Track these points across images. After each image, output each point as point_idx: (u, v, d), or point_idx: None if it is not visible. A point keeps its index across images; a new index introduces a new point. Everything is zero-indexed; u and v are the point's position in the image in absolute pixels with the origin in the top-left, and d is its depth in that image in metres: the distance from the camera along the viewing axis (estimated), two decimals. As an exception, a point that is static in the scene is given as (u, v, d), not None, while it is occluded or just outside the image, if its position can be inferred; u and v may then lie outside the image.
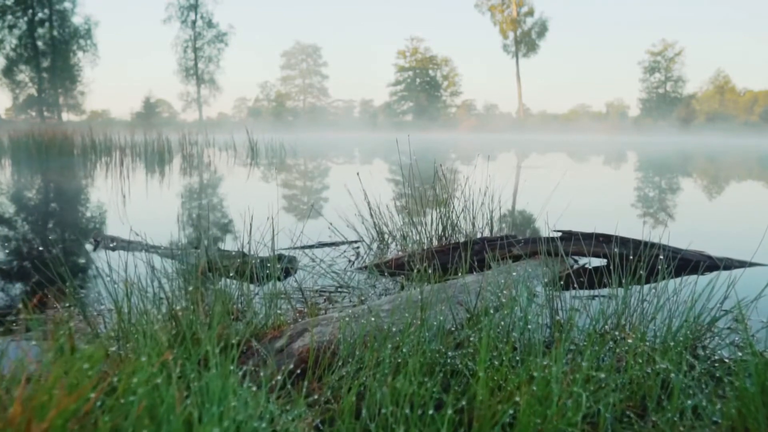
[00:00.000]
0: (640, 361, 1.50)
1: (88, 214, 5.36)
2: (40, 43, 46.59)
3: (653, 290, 1.99)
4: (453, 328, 1.88)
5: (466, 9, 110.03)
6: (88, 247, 3.61)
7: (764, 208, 6.45)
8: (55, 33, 46.93)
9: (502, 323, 1.72)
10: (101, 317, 1.99)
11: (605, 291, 2.54)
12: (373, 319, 1.69)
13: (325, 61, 68.48)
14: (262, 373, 1.37)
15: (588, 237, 2.93)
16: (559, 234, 3.00)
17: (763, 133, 46.57)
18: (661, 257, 2.42)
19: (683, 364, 1.47)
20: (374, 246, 3.48)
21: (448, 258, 2.96)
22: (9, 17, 45.84)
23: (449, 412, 1.16)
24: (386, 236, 3.52)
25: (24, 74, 47.41)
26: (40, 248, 3.60)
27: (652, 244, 2.85)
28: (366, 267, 2.96)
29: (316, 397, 1.39)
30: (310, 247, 3.45)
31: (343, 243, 3.54)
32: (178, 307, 1.73)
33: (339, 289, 2.56)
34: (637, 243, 2.89)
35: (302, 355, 1.60)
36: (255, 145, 15.26)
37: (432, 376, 1.38)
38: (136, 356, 1.23)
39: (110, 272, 1.92)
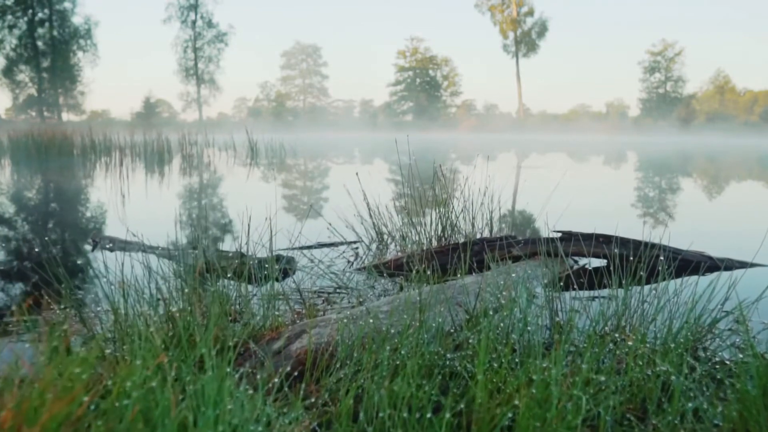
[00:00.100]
0: (641, 363, 1.49)
1: (87, 215, 5.35)
2: (40, 43, 46.60)
3: (653, 291, 1.98)
4: (452, 330, 1.86)
5: (466, 9, 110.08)
6: (87, 247, 3.60)
7: (765, 209, 6.44)
8: (55, 33, 46.94)
9: (502, 325, 1.71)
10: (98, 319, 1.98)
11: (605, 292, 2.53)
12: (371, 320, 1.68)
13: (325, 61, 68.57)
14: (258, 376, 1.36)
15: (588, 237, 2.91)
16: (559, 234, 2.99)
17: (763, 133, 46.57)
18: (662, 258, 2.41)
19: (684, 366, 1.46)
20: (373, 246, 3.47)
21: (448, 259, 2.95)
22: (9, 17, 45.85)
23: (447, 415, 1.15)
24: (385, 237, 3.51)
25: (24, 74, 47.43)
26: (38, 249, 3.58)
27: (653, 245, 2.84)
28: (365, 268, 2.95)
29: (313, 400, 1.38)
30: (309, 247, 3.44)
31: (342, 243, 3.53)
32: (174, 309, 1.71)
33: (338, 290, 2.55)
34: (637, 243, 2.88)
35: (300, 357, 1.59)
36: (255, 145, 15.26)
37: (430, 379, 1.37)
38: (131, 358, 1.22)
39: (107, 273, 1.91)
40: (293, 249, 3.31)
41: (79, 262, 3.28)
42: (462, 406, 1.27)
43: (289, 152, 16.12)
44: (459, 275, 2.46)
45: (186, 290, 1.85)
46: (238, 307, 2.07)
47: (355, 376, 1.45)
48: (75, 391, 0.94)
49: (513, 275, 2.37)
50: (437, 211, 3.31)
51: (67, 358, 1.08)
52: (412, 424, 1.19)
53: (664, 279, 2.09)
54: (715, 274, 2.03)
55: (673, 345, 1.59)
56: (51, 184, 8.20)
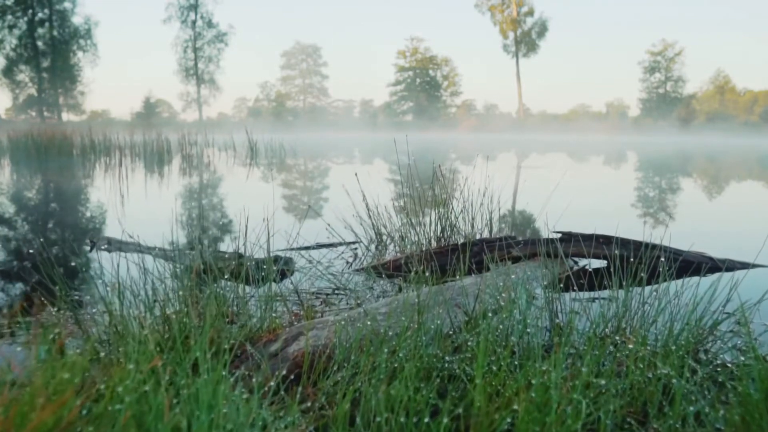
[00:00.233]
0: (641, 365, 1.47)
1: (86, 215, 5.33)
2: (40, 43, 46.59)
3: (654, 292, 1.96)
4: (451, 332, 1.85)
5: (466, 9, 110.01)
6: (85, 248, 3.58)
7: (765, 209, 6.42)
8: (55, 33, 46.93)
9: (501, 327, 1.69)
10: (93, 321, 1.96)
11: (605, 293, 2.51)
12: (369, 322, 1.66)
13: (325, 61, 68.54)
14: (255, 379, 1.35)
15: (588, 238, 2.90)
16: (559, 235, 2.97)
17: (763, 133, 46.55)
18: (662, 259, 2.39)
19: (685, 368, 1.44)
20: (372, 247, 3.45)
21: (447, 259, 2.93)
22: (9, 17, 45.85)
23: (445, 419, 1.13)
24: (384, 237, 3.49)
25: (24, 74, 47.43)
26: (36, 250, 3.57)
27: (653, 246, 2.82)
28: (364, 269, 2.93)
29: (309, 403, 1.36)
30: (307, 248, 3.42)
31: (340, 244, 3.51)
32: (170, 310, 1.70)
33: (336, 292, 2.54)
34: (637, 244, 2.87)
35: (297, 360, 1.57)
36: (255, 145, 15.24)
37: (428, 382, 1.35)
38: (125, 362, 1.20)
39: (103, 274, 1.89)
40: (291, 250, 3.29)
41: (76, 263, 3.27)
42: (460, 410, 1.25)
43: (288, 152, 16.10)
44: (458, 276, 2.44)
45: (182, 292, 1.83)
46: (235, 308, 2.05)
47: (353, 379, 1.43)
48: (65, 396, 0.92)
49: (512, 276, 2.35)
50: (436, 211, 3.29)
51: (59, 361, 1.06)
52: (409, 429, 1.18)
53: (664, 280, 2.07)
54: (717, 275, 2.02)
55: (674, 347, 1.58)
56: (50, 185, 8.18)
